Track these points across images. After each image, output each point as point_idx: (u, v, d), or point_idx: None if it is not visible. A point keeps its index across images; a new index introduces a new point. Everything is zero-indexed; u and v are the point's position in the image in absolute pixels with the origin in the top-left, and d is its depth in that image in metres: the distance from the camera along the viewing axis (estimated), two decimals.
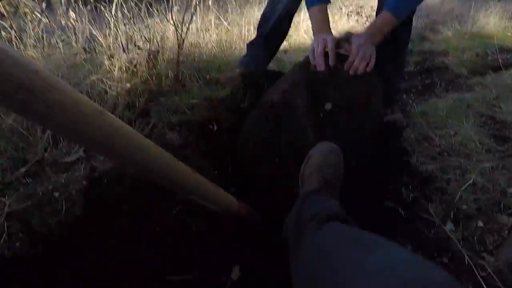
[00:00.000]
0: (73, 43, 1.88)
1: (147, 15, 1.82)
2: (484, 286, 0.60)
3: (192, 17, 1.59)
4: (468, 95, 1.58)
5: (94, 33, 1.74)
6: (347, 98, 0.99)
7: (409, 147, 1.10)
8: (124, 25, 1.74)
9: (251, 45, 1.54)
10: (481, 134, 1.21)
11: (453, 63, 1.99)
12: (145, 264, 0.57)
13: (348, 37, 1.04)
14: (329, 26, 1.08)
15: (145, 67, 1.54)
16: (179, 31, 1.59)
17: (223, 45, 2.29)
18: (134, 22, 1.76)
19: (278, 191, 1.04)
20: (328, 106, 1.02)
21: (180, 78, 1.60)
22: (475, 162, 0.99)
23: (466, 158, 1.02)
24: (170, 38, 1.76)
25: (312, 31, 1.10)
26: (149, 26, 1.71)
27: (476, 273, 0.63)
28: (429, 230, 0.78)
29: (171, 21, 1.56)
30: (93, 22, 1.87)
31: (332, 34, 1.04)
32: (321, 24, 1.06)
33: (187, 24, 1.62)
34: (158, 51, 1.65)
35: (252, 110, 1.14)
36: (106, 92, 1.48)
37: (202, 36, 2.10)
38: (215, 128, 1.19)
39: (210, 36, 2.21)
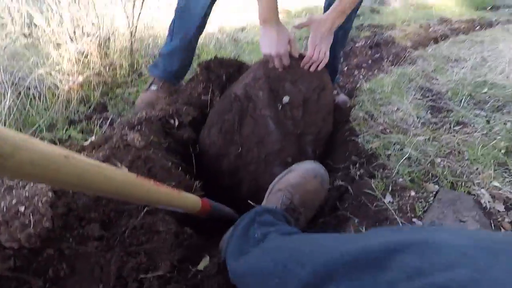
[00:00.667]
0: (10, 25, 1.73)
1: None
2: None
3: (142, 3, 1.52)
4: (410, 69, 1.71)
5: (33, 15, 1.61)
6: (302, 93, 1.07)
7: (357, 127, 1.21)
8: (68, 7, 1.62)
9: (170, 54, 1.34)
10: (420, 108, 1.36)
11: (399, 36, 2.11)
12: (118, 266, 0.62)
13: (309, 22, 1.09)
14: (277, 13, 1.05)
15: (98, 57, 1.48)
16: (130, 18, 1.53)
17: None
18: (79, 4, 1.65)
19: (242, 182, 1.12)
20: (286, 99, 1.10)
21: (135, 68, 1.57)
22: (411, 137, 1.13)
23: (404, 133, 1.15)
24: (121, 23, 1.68)
25: (258, 19, 1.06)
26: (95, 9, 1.61)
27: None
28: (372, 203, 0.90)
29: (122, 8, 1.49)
30: (30, 1, 1.71)
31: (281, 25, 1.06)
32: (268, 12, 1.03)
33: (139, 9, 1.55)
34: (109, 39, 1.58)
35: (214, 103, 1.18)
36: (57, 87, 1.42)
37: (156, 18, 2.01)
38: (176, 123, 1.21)
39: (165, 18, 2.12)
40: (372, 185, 0.95)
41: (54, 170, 0.34)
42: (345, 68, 1.89)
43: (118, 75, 1.49)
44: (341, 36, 1.35)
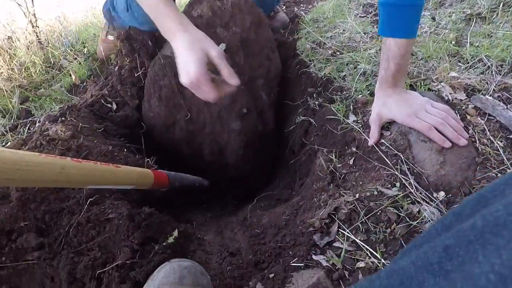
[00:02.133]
0: None
1: None
2: (384, 156, 0.70)
3: None
4: None
5: None
6: (237, 35, 0.96)
7: (306, 58, 1.13)
8: None
9: None
10: (365, 24, 1.29)
11: None
12: (69, 270, 0.53)
13: (379, 119, 0.75)
14: (184, 21, 0.71)
15: (1, 61, 1.26)
16: (25, 6, 1.30)
17: (92, 8, 1.96)
18: None
19: (202, 146, 1.03)
20: (222, 46, 0.99)
21: (52, 62, 1.36)
22: (363, 52, 1.07)
23: (355, 51, 1.09)
24: (19, 17, 1.44)
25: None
26: None
27: (377, 149, 0.72)
28: (336, 128, 0.84)
29: None
30: None
31: (194, 34, 0.69)
32: (170, 23, 0.68)
33: None
34: (10, 37, 1.35)
35: (148, 76, 1.04)
36: None
37: (60, 2, 1.75)
38: (114, 106, 1.08)
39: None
40: (333, 109, 0.89)
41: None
42: (284, 7, 1.77)
43: (34, 75, 1.30)
44: None
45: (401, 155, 0.68)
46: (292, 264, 0.57)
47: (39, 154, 0.38)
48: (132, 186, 0.62)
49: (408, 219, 0.59)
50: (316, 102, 0.97)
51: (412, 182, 0.64)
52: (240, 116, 1.03)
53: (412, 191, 0.62)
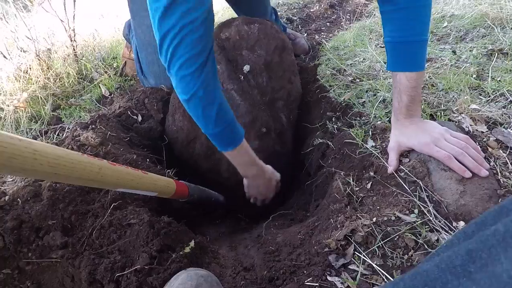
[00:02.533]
0: None
1: (19, 9, 1.56)
2: (402, 183, 0.70)
3: (74, 1, 1.40)
4: (368, 21, 1.68)
5: None
6: (262, 57, 1.01)
7: (326, 84, 1.16)
8: None
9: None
10: (384, 54, 1.32)
11: None
12: (90, 271, 0.54)
13: (398, 147, 0.76)
14: (256, 161, 0.91)
15: (39, 70, 1.36)
16: (66, 22, 1.41)
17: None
18: (6, 20, 1.51)
19: (220, 162, 1.06)
20: (247, 68, 1.04)
21: (84, 74, 1.45)
22: (382, 80, 1.09)
23: (374, 79, 1.12)
24: (59, 32, 1.55)
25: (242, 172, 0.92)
26: (25, 23, 1.47)
27: (396, 175, 0.73)
28: (354, 152, 0.85)
29: (52, 12, 1.36)
30: None
31: (265, 170, 0.96)
32: (246, 166, 0.89)
33: (72, 11, 1.43)
34: (49, 49, 1.45)
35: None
36: (1, 109, 1.29)
37: (95, 19, 1.88)
38: (140, 118, 1.13)
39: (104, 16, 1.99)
40: (352, 134, 0.91)
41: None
42: (305, 34, 1.84)
43: (67, 85, 1.38)
44: None
45: (420, 182, 0.69)
46: (307, 283, 0.57)
47: (82, 153, 0.41)
48: (155, 193, 0.64)
49: (426, 247, 0.58)
50: (335, 126, 0.99)
51: (431, 210, 0.63)
52: (259, 136, 1.06)
53: (431, 218, 0.62)
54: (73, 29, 1.41)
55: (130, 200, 0.70)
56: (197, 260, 0.61)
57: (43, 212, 0.60)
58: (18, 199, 0.61)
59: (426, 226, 0.61)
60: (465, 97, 0.92)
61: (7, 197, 0.62)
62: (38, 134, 1.21)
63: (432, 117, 0.89)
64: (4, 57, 1.35)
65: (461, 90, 0.96)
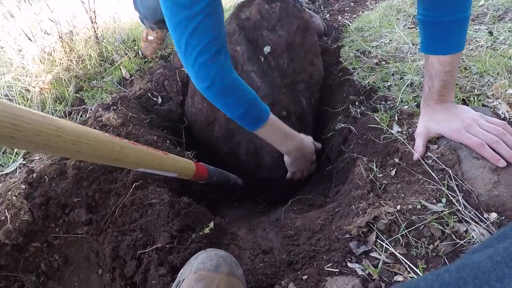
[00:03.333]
0: None
1: None
2: (430, 170, 0.67)
3: None
4: (396, 0, 1.59)
5: None
6: (283, 38, 0.98)
7: (349, 66, 1.11)
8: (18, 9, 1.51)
9: None
10: (413, 35, 1.25)
11: None
12: (113, 247, 0.56)
13: (427, 133, 0.72)
14: (292, 133, 0.91)
15: (62, 52, 1.38)
16: (87, 3, 1.41)
17: None
18: (29, 3, 1.53)
19: (239, 145, 1.05)
20: (267, 49, 1.01)
21: (105, 56, 1.46)
22: (410, 63, 1.03)
23: (402, 61, 1.06)
24: (80, 14, 1.56)
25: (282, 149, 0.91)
26: (48, 5, 1.49)
27: (423, 162, 0.70)
28: (378, 138, 0.82)
29: None
30: None
31: (302, 140, 0.94)
32: (284, 140, 0.89)
33: None
34: (71, 31, 1.47)
35: None
36: (28, 90, 1.33)
37: (115, 1, 1.88)
38: (160, 99, 1.13)
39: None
40: (376, 118, 0.87)
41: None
42: (327, 16, 1.76)
43: (89, 67, 1.39)
44: None
45: (449, 170, 0.65)
46: (326, 269, 0.56)
47: (103, 132, 0.41)
48: (175, 174, 0.64)
49: (454, 237, 0.56)
50: (358, 110, 0.95)
51: (460, 200, 0.60)
52: (279, 118, 1.04)
53: (460, 208, 0.59)
54: (94, 10, 1.42)
55: (151, 181, 0.71)
56: (216, 241, 0.61)
57: (69, 190, 0.61)
58: (45, 177, 0.63)
59: (455, 216, 0.58)
60: (502, 81, 0.86)
61: (34, 175, 0.64)
62: (63, 115, 1.25)
63: (464, 102, 0.84)
64: (29, 39, 1.37)
65: (498, 73, 0.90)
